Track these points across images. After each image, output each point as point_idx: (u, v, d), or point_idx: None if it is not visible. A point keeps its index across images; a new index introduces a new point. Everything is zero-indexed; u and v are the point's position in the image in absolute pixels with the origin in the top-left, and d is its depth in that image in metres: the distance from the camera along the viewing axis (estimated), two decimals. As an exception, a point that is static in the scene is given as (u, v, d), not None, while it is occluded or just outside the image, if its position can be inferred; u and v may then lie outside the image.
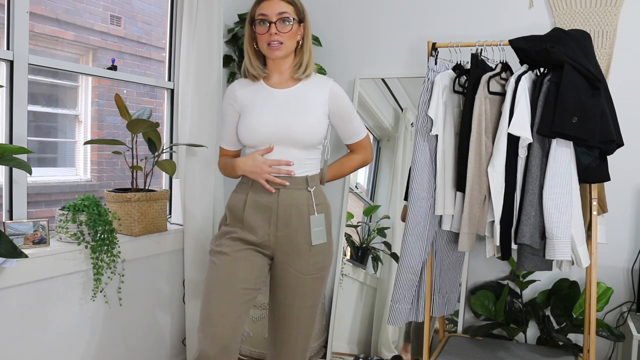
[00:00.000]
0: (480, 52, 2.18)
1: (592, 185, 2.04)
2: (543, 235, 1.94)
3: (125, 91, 2.88)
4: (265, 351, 2.65)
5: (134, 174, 2.30)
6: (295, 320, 1.76)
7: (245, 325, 2.31)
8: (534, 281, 2.57)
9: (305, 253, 1.72)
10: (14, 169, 1.91)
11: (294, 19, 1.69)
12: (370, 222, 2.96)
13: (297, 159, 1.72)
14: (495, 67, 2.13)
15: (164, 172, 2.58)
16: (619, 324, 2.47)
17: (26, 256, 1.64)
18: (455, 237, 2.31)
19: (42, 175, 2.58)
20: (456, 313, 2.70)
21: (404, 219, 2.86)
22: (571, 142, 1.91)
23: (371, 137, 3.00)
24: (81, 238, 1.99)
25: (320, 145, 1.81)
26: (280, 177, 1.70)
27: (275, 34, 1.65)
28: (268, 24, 1.66)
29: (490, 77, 2.04)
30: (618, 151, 1.98)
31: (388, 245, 2.87)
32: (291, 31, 1.68)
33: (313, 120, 1.73)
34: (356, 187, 3.00)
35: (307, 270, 1.73)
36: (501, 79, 2.09)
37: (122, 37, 2.97)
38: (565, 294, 2.47)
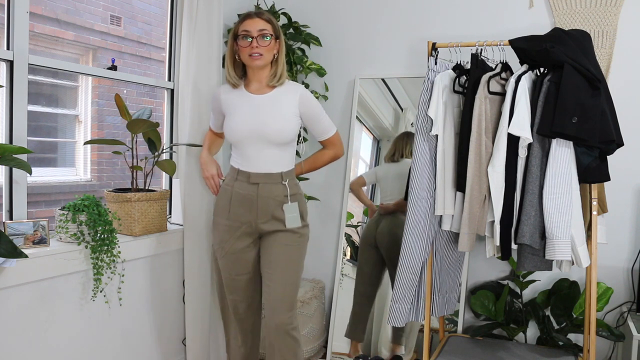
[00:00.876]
0: (480, 52, 2.18)
1: (592, 185, 2.04)
2: (543, 235, 1.94)
3: (125, 91, 2.88)
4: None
5: (134, 174, 2.30)
6: (278, 287, 2.05)
7: None
8: (534, 281, 2.57)
9: (283, 233, 2.07)
10: (14, 169, 1.91)
11: (271, 35, 2.02)
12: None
13: (273, 156, 2.04)
14: (495, 67, 2.13)
15: (164, 172, 2.58)
16: (619, 324, 2.47)
17: (26, 256, 1.64)
18: (455, 237, 2.31)
19: (42, 175, 2.58)
20: (456, 313, 2.70)
21: (352, 186, 2.95)
22: (571, 142, 1.91)
23: (371, 137, 3.00)
24: (81, 238, 1.99)
25: (294, 143, 2.11)
26: (258, 175, 2.04)
27: (256, 47, 1.98)
28: (250, 39, 1.99)
29: (490, 77, 2.04)
30: (618, 151, 1.98)
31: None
32: (269, 45, 2.01)
33: (284, 121, 2.03)
34: (356, 187, 3.01)
35: (288, 241, 2.08)
36: (501, 79, 2.09)
37: (122, 37, 2.97)
38: (565, 294, 2.47)
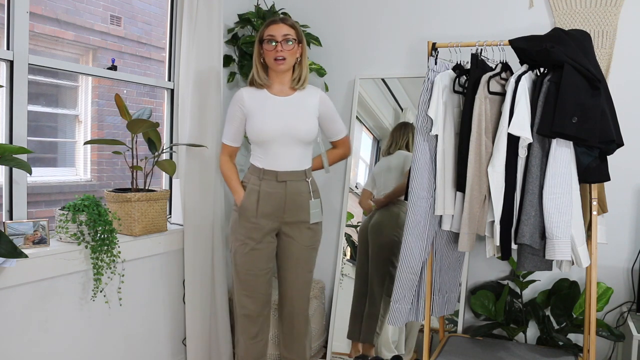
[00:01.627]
0: (480, 52, 2.18)
1: (592, 185, 2.04)
2: (543, 235, 1.94)
3: (125, 91, 2.87)
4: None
5: (134, 174, 2.30)
6: (299, 283, 2.25)
7: None
8: (534, 281, 2.57)
9: (304, 230, 2.22)
10: (14, 169, 1.91)
11: (294, 39, 2.13)
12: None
13: (298, 155, 2.17)
14: (495, 67, 2.13)
15: (164, 172, 2.58)
16: (619, 324, 2.47)
17: (26, 256, 1.64)
18: (455, 237, 2.31)
19: (42, 175, 2.58)
20: (456, 313, 2.70)
21: (360, 203, 2.95)
22: (571, 142, 1.91)
23: (371, 137, 3.00)
24: (81, 238, 1.99)
25: (313, 143, 2.24)
26: (285, 173, 2.14)
27: (281, 51, 2.10)
28: (275, 43, 2.10)
29: (490, 77, 2.04)
30: (618, 151, 1.98)
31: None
32: (292, 49, 2.13)
33: (309, 121, 2.19)
34: (356, 187, 3.01)
35: (307, 243, 2.23)
36: (501, 79, 2.09)
37: (122, 37, 2.96)
38: (565, 294, 2.47)
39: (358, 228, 2.98)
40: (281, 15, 2.19)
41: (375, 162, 2.98)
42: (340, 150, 2.40)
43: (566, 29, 2.03)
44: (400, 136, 2.88)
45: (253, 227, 2.15)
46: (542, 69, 2.06)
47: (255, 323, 2.24)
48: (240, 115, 2.18)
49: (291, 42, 2.11)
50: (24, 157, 1.90)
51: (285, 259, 2.25)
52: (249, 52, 2.81)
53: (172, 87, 2.66)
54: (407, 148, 2.86)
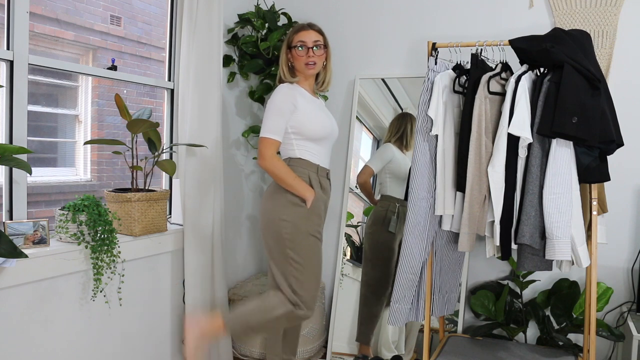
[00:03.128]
0: (480, 52, 2.18)
1: (592, 185, 2.04)
2: (543, 235, 1.94)
3: (125, 91, 2.87)
4: (264, 351, 2.65)
5: (134, 174, 2.29)
6: None
7: None
8: (534, 281, 2.57)
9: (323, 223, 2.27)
10: (14, 169, 1.91)
11: (322, 45, 2.21)
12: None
13: (330, 154, 2.27)
14: (495, 67, 2.13)
15: (164, 172, 2.58)
16: (619, 324, 2.47)
17: (26, 256, 1.64)
18: (455, 237, 2.31)
19: (42, 175, 2.58)
20: (456, 313, 2.70)
21: (359, 183, 2.93)
22: (571, 142, 1.91)
23: (371, 137, 3.00)
24: (81, 238, 1.99)
25: None
26: (328, 170, 2.24)
27: (312, 56, 2.17)
28: (305, 49, 2.17)
29: (490, 77, 2.04)
30: (618, 151, 1.98)
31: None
32: (321, 55, 2.21)
33: None
34: (356, 187, 3.00)
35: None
36: (501, 79, 2.09)
37: (122, 37, 2.96)
38: (565, 294, 2.47)
39: (358, 228, 2.98)
40: (312, 23, 2.25)
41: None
42: None
43: (566, 29, 2.03)
44: (401, 126, 2.88)
45: (323, 219, 2.19)
46: (542, 69, 2.06)
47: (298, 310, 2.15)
48: (293, 109, 2.12)
49: (320, 48, 2.19)
50: (24, 157, 1.90)
51: None
52: (249, 52, 2.81)
53: (172, 87, 2.66)
54: (402, 140, 2.86)
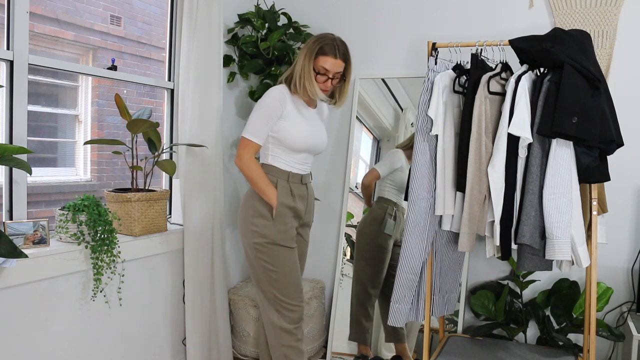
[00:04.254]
0: (480, 52, 2.18)
1: (592, 185, 2.04)
2: (543, 235, 1.94)
3: (125, 91, 2.87)
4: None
5: (134, 174, 2.29)
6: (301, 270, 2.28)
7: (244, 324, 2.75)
8: (534, 281, 2.57)
9: (308, 230, 2.32)
10: (14, 169, 1.91)
11: (343, 75, 2.13)
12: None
13: (311, 160, 2.24)
14: (495, 67, 2.13)
15: (164, 172, 2.58)
16: (619, 324, 2.47)
17: (26, 256, 1.64)
18: (455, 237, 2.31)
19: (42, 175, 2.58)
20: (456, 313, 2.70)
21: (364, 185, 2.91)
22: (571, 142, 1.91)
23: (371, 137, 3.00)
24: (81, 238, 1.99)
25: None
26: (306, 176, 2.21)
27: (328, 85, 2.11)
28: (327, 77, 2.09)
29: (490, 77, 2.04)
30: (618, 151, 1.98)
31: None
32: (337, 82, 2.13)
33: (326, 135, 2.27)
34: (356, 187, 3.00)
35: (308, 241, 2.36)
36: (501, 79, 2.09)
37: (122, 37, 2.96)
38: (565, 294, 2.47)
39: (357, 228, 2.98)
40: (341, 50, 2.10)
41: (376, 162, 2.98)
42: None
43: (566, 29, 2.03)
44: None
45: (292, 228, 2.14)
46: (542, 69, 2.06)
47: (298, 331, 2.17)
48: (279, 114, 2.07)
49: (340, 79, 2.13)
50: (24, 157, 1.90)
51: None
52: (249, 52, 2.81)
53: (172, 87, 2.66)
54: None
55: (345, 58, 2.11)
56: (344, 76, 2.15)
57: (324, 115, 2.31)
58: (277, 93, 2.09)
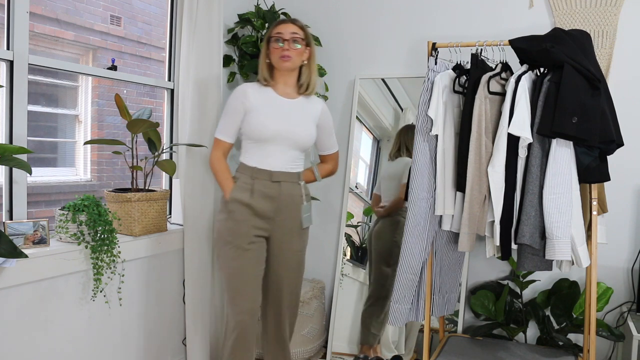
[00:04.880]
0: (480, 52, 2.18)
1: (592, 185, 2.04)
2: (543, 235, 1.94)
3: (125, 91, 2.88)
4: (262, 351, 2.65)
5: (134, 174, 2.30)
6: (290, 288, 2.19)
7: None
8: (534, 281, 2.57)
9: (296, 234, 2.15)
10: (14, 169, 1.91)
11: (302, 39, 2.10)
12: (370, 222, 2.96)
13: (292, 157, 2.12)
14: (495, 67, 2.13)
15: (164, 172, 2.58)
16: (619, 324, 2.47)
17: (26, 256, 1.64)
18: (455, 237, 2.31)
19: (42, 175, 2.58)
20: (456, 313, 2.70)
21: (372, 208, 2.90)
22: (571, 142, 1.91)
23: (371, 137, 3.00)
24: (81, 238, 1.99)
25: (307, 150, 2.21)
26: (280, 173, 2.07)
27: (287, 49, 2.06)
28: (282, 43, 2.07)
29: (490, 77, 2.04)
30: (618, 151, 1.98)
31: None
32: (299, 50, 2.09)
33: (310, 129, 2.16)
34: (356, 187, 3.00)
35: (298, 247, 2.18)
36: (501, 79, 2.09)
37: (122, 37, 2.97)
38: (565, 294, 2.47)
39: (358, 229, 2.98)
40: (291, 17, 2.14)
41: (376, 162, 2.98)
42: (329, 166, 2.36)
43: (566, 29, 2.03)
44: (408, 140, 2.78)
45: (245, 227, 2.04)
46: (542, 69, 2.06)
47: (252, 329, 2.09)
48: (241, 109, 2.08)
49: (299, 44, 2.08)
50: (24, 157, 1.90)
51: (277, 265, 2.15)
52: (249, 52, 2.81)
53: (172, 87, 2.66)
54: (410, 153, 2.76)
55: (299, 24, 2.12)
56: (307, 46, 2.12)
57: (314, 110, 2.20)
58: (238, 89, 2.13)
